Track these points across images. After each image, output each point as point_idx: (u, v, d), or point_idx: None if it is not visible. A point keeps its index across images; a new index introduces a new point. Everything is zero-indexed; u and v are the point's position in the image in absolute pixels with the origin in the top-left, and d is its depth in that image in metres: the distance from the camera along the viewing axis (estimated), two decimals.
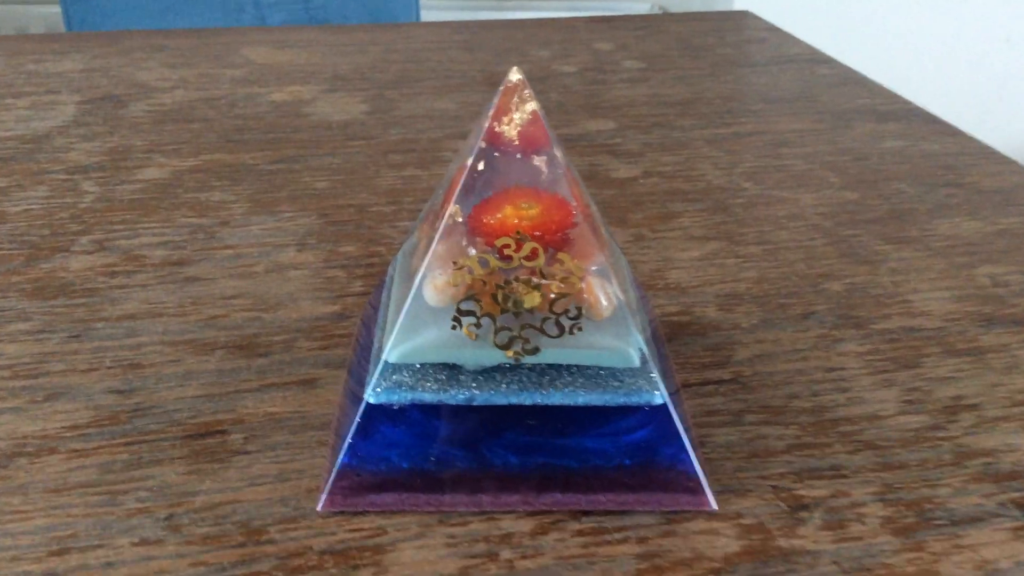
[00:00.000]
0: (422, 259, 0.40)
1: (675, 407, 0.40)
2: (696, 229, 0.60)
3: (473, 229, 0.39)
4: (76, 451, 0.41)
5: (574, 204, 0.39)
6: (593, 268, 0.39)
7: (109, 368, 0.46)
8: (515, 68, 0.39)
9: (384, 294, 0.45)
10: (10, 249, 0.57)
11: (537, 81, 0.84)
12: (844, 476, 0.41)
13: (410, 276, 0.41)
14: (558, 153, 0.40)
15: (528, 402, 0.38)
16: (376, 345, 0.41)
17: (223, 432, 0.42)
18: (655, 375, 0.38)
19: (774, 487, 0.40)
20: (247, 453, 0.41)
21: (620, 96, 0.82)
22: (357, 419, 0.38)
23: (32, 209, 0.61)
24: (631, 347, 0.38)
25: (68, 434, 0.42)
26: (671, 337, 0.50)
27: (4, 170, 0.66)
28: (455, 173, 0.41)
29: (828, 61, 0.92)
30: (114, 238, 0.58)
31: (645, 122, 0.76)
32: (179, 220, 0.60)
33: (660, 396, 0.38)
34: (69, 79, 0.84)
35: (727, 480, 0.40)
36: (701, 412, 0.44)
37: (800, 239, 0.59)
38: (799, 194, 0.65)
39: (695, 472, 0.39)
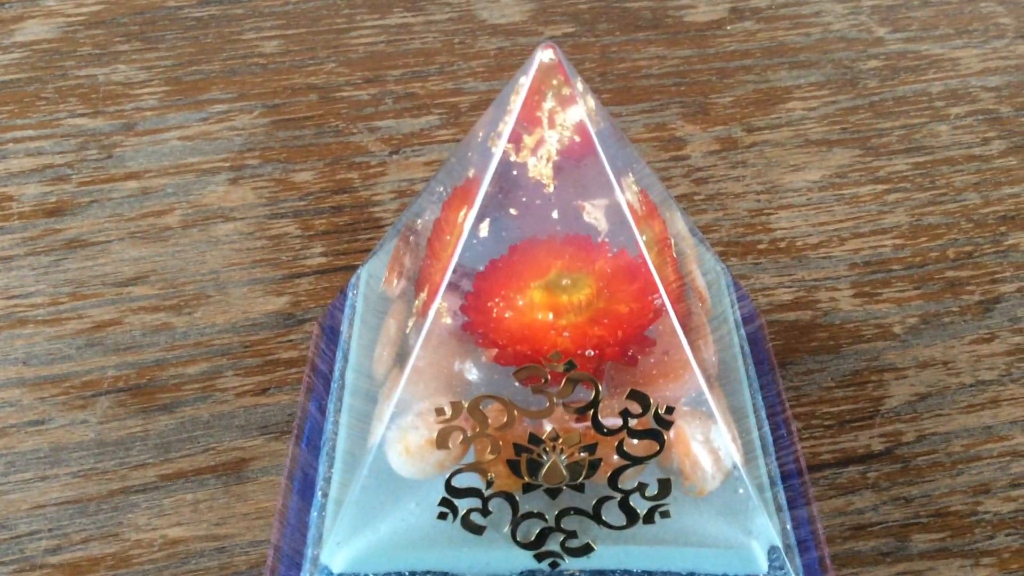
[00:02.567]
0: (386, 383, 0.23)
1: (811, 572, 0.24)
2: (813, 123, 0.41)
3: (476, 326, 0.22)
4: None
5: (648, 275, 0.21)
6: (685, 399, 0.22)
7: None
8: (543, 45, 0.20)
9: (342, 341, 0.28)
10: None
11: None
12: None
13: (368, 396, 0.24)
14: (624, 190, 0.21)
15: None
16: (317, 491, 0.24)
17: None
18: None
19: None
20: None
21: None
22: None
23: None
24: (755, 539, 0.22)
25: None
26: (785, 359, 0.33)
27: None
28: (445, 213, 0.23)
29: None
30: None
31: None
32: (65, 122, 0.42)
33: None
34: None
35: None
36: (842, 528, 0.28)
37: (967, 141, 0.40)
38: (957, 49, 0.45)
39: None
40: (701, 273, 0.25)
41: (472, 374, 0.22)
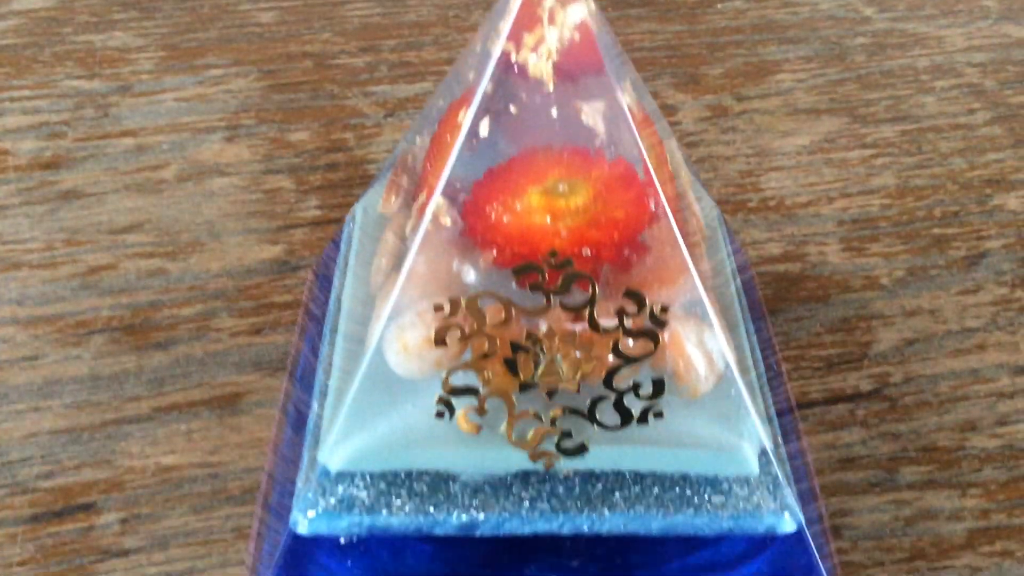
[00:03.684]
0: (384, 285, 0.23)
1: (803, 499, 0.24)
2: (801, 93, 0.42)
3: (474, 230, 0.22)
4: None
5: (647, 179, 0.22)
6: (681, 302, 0.22)
7: None
8: None
9: (337, 276, 0.28)
10: None
11: None
12: None
13: (364, 302, 0.24)
14: (624, 94, 0.21)
15: (568, 531, 0.23)
16: (314, 407, 0.25)
17: (90, 508, 0.27)
18: (783, 484, 0.23)
19: None
20: (124, 554, 0.26)
21: None
22: (279, 557, 0.23)
23: None
24: (745, 441, 0.22)
25: None
26: (774, 306, 0.33)
27: None
28: (445, 116, 0.24)
29: None
30: None
31: None
32: (62, 84, 0.42)
33: (791, 519, 0.23)
34: None
35: None
36: (831, 461, 0.29)
37: (953, 111, 0.41)
38: (943, 28, 0.46)
39: None
40: (696, 199, 0.25)
41: (470, 277, 0.22)
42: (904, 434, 0.29)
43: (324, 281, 0.29)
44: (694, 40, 0.45)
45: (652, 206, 0.21)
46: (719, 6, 0.47)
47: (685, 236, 0.22)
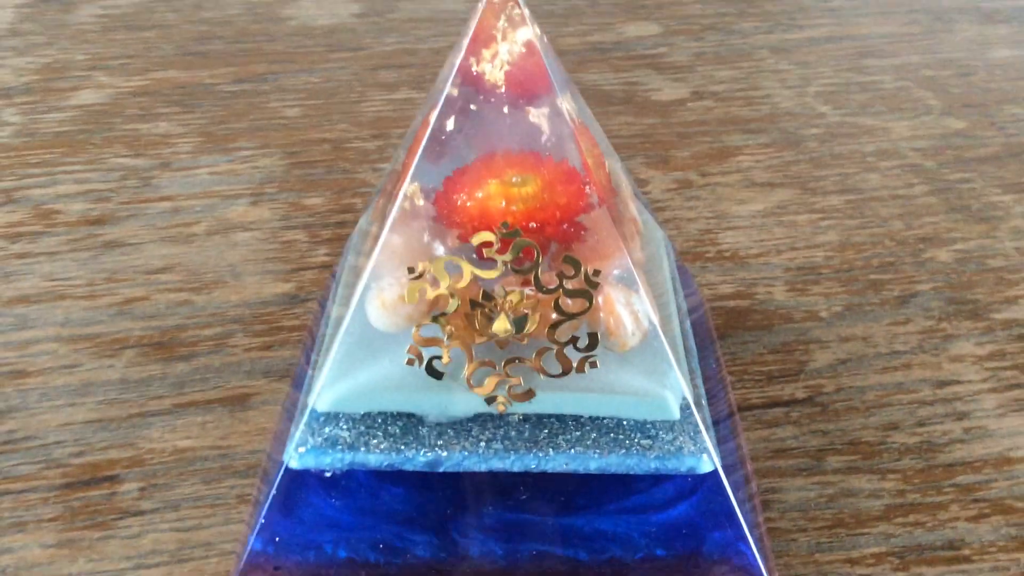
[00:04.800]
0: (368, 257, 0.28)
1: (731, 470, 0.28)
2: (759, 171, 0.47)
3: (442, 214, 0.27)
4: None
5: (586, 176, 0.27)
6: (614, 273, 0.27)
7: None
8: None
9: (332, 285, 0.33)
10: None
11: None
12: (967, 558, 0.29)
13: (354, 279, 0.29)
14: (564, 102, 0.27)
15: (518, 468, 0.26)
16: (308, 372, 0.29)
17: (114, 479, 0.31)
18: (701, 431, 0.27)
19: None
20: (140, 514, 0.30)
21: None
22: (273, 490, 0.27)
23: None
24: (668, 390, 0.26)
25: None
26: (724, 332, 0.37)
27: None
28: (419, 128, 0.29)
29: None
30: (27, 186, 0.47)
31: (697, 24, 0.62)
32: (110, 160, 0.49)
33: (708, 460, 0.26)
34: None
35: (801, 567, 0.29)
36: (766, 451, 0.32)
37: (894, 185, 0.46)
38: (890, 121, 0.52)
39: (757, 567, 0.27)
40: (637, 212, 0.30)
41: (439, 252, 0.27)
42: (832, 431, 0.33)
43: (322, 317, 0.34)
44: (666, 130, 0.51)
45: (589, 199, 0.26)
46: (689, 105, 0.53)
47: (618, 224, 0.27)
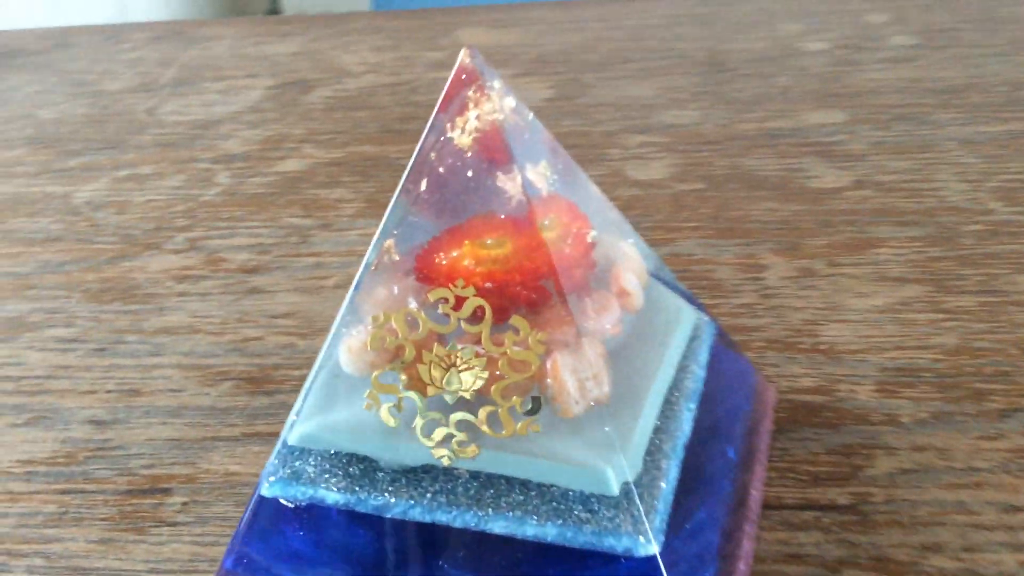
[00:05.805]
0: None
1: (694, 562, 0.27)
2: (895, 265, 0.44)
3: (420, 269, 0.28)
4: (9, 494, 0.36)
5: (543, 245, 0.27)
6: (562, 338, 0.26)
7: (108, 393, 0.41)
8: (466, 49, 0.28)
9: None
10: (108, 243, 0.53)
11: (766, 62, 0.69)
12: None
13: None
14: (532, 172, 0.27)
15: (459, 524, 0.27)
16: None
17: (166, 491, 0.35)
18: (639, 511, 0.26)
19: None
20: (175, 524, 0.34)
21: (868, 81, 0.64)
22: (248, 514, 0.29)
23: (155, 200, 0.58)
24: (609, 465, 0.26)
25: (17, 470, 0.37)
26: (784, 427, 0.35)
27: (157, 157, 0.64)
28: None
29: None
30: (210, 237, 0.53)
31: (886, 115, 0.59)
32: (283, 219, 0.54)
33: (645, 543, 0.25)
34: (274, 62, 0.81)
35: None
36: (776, 555, 0.30)
37: None
38: None
39: None
40: (635, 281, 0.29)
41: (411, 304, 0.28)
42: (861, 544, 0.30)
43: None
44: (809, 218, 0.49)
45: (544, 265, 0.27)
46: (846, 194, 0.50)
47: (584, 294, 0.27)
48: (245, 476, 0.35)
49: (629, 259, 0.30)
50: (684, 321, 0.32)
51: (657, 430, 0.28)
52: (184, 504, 0.34)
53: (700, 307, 0.33)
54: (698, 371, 0.31)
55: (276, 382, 0.40)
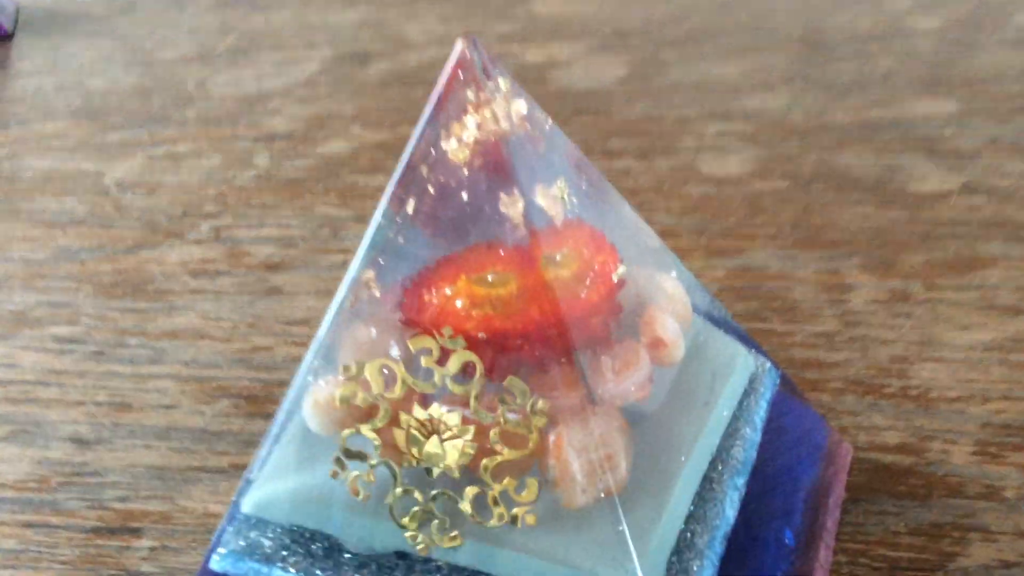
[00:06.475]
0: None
1: None
2: (1007, 292, 0.37)
3: (407, 310, 0.23)
4: None
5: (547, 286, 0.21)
6: (568, 407, 0.21)
7: (97, 405, 0.37)
8: (461, 38, 0.22)
9: None
10: (131, 228, 0.50)
11: (869, 41, 0.61)
12: None
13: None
14: (541, 196, 0.22)
15: None
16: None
17: (135, 532, 0.31)
18: None
19: None
20: (137, 574, 0.29)
21: (986, 66, 0.56)
22: None
23: (188, 182, 0.54)
24: (620, 573, 0.20)
25: None
26: (860, 495, 0.29)
27: (197, 133, 0.60)
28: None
29: None
30: (236, 225, 0.49)
31: (1006, 105, 0.51)
32: (317, 208, 0.50)
33: None
34: (335, 32, 0.77)
35: None
36: None
37: None
38: None
39: None
40: (675, 326, 0.24)
41: (393, 351, 0.23)
42: None
43: None
44: (908, 228, 0.42)
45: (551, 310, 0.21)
46: (952, 201, 0.43)
47: (597, 348, 0.22)
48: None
49: (669, 299, 0.24)
50: (738, 373, 0.26)
51: (691, 518, 0.22)
52: (152, 550, 0.30)
53: (760, 351, 0.27)
54: (752, 435, 0.25)
55: (276, 402, 0.36)
